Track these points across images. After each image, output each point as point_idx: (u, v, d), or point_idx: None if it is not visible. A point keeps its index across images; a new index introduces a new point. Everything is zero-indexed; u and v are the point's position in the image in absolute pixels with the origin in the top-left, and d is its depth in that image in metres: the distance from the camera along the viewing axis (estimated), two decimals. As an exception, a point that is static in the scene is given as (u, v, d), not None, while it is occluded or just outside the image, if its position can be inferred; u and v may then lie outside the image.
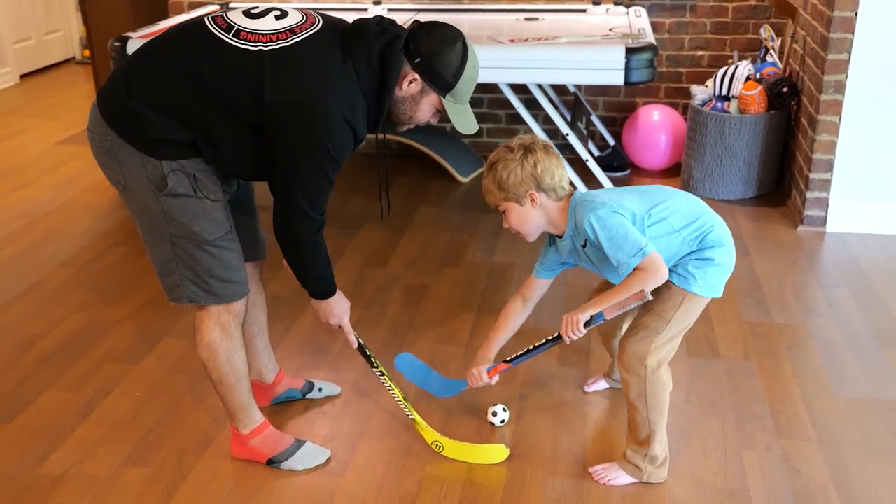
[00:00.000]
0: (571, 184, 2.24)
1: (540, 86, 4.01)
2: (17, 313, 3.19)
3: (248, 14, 2.01)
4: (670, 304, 2.14)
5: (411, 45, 2.00)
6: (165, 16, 4.81)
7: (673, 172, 4.42)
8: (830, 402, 2.57)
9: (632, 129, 4.45)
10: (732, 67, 4.10)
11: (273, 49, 1.93)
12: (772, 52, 4.20)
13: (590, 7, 4.45)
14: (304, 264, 2.15)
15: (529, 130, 4.64)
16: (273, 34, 1.95)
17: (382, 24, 2.03)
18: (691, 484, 2.24)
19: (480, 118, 4.78)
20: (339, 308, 2.28)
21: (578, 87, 4.54)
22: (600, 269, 2.22)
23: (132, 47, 3.78)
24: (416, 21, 2.09)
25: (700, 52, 4.55)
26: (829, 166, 3.66)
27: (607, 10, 4.40)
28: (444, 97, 2.04)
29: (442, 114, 2.10)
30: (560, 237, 2.21)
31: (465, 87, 2.04)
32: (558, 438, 2.43)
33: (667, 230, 2.11)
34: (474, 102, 4.70)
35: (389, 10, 4.46)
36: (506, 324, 2.39)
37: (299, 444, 2.33)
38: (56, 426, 2.52)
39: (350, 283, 3.34)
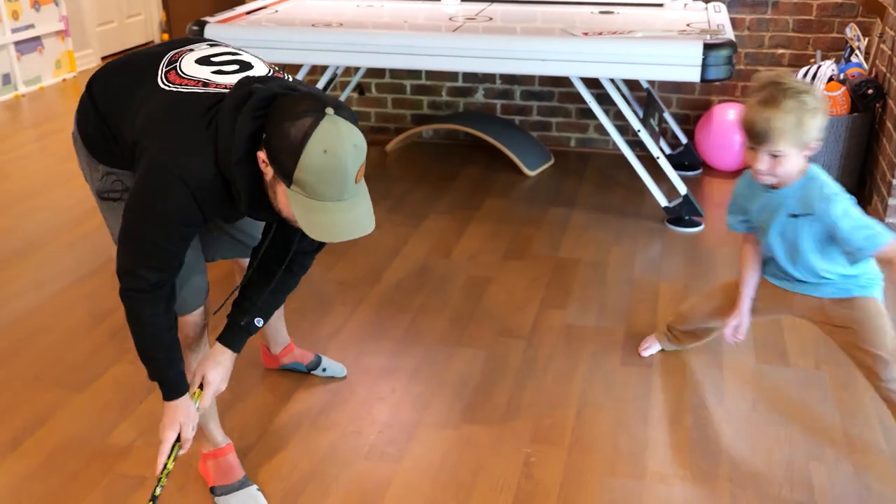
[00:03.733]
0: None
1: (612, 81, 3.95)
2: (93, 286, 3.28)
3: (199, 61, 1.84)
4: (872, 323, 2.18)
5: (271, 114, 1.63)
6: (243, 1, 4.88)
7: (746, 173, 4.31)
8: (904, 417, 2.49)
9: (705, 127, 4.36)
10: (815, 67, 3.98)
11: (169, 90, 1.75)
12: (857, 52, 4.07)
13: (667, 2, 4.37)
14: (133, 332, 1.86)
15: (600, 125, 4.60)
16: (190, 80, 1.77)
17: (265, 79, 1.71)
18: (755, 494, 2.19)
19: (550, 112, 4.77)
20: (177, 414, 1.90)
21: (652, 83, 4.47)
22: (783, 244, 2.22)
23: (209, 32, 3.84)
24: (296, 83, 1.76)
25: (781, 51, 4.43)
26: (913, 173, 3.53)
27: (685, 4, 4.31)
28: (288, 188, 1.61)
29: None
30: (774, 189, 2.19)
31: (312, 179, 1.56)
32: (618, 438, 2.40)
33: None
34: (544, 95, 4.72)
35: (463, 0, 4.45)
36: (753, 265, 2.37)
37: (242, 484, 2.16)
38: (125, 398, 2.58)
39: (413, 271, 3.35)
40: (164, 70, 1.80)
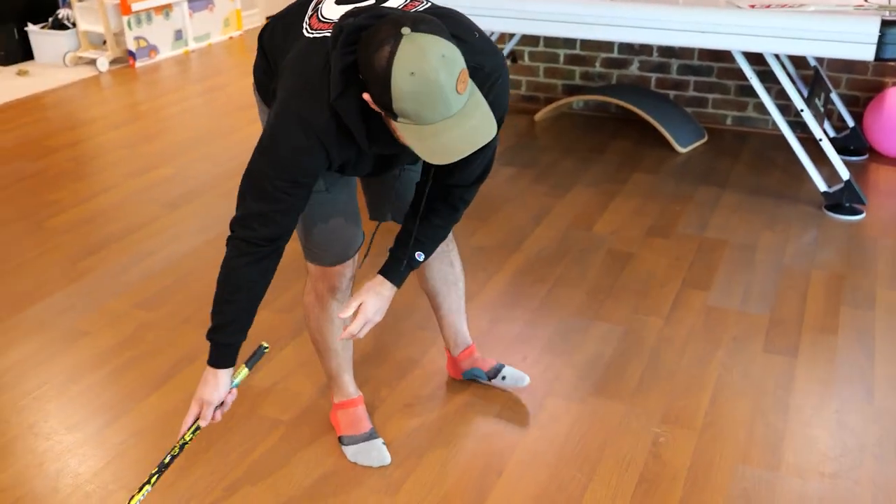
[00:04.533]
0: None
1: (777, 57, 3.76)
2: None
3: (339, 1, 1.79)
4: None
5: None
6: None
7: (918, 162, 4.03)
8: None
9: (877, 110, 4.09)
10: None
11: (308, 38, 1.73)
12: None
13: (844, -25, 4.11)
14: (219, 282, 1.84)
15: (760, 104, 4.39)
16: (328, 22, 1.73)
17: (371, 12, 1.63)
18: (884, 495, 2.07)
19: (707, 88, 4.60)
20: (206, 387, 1.86)
21: (820, 60, 4.22)
22: None
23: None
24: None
25: (968, 32, 4.08)
26: None
27: (864, -21, 4.04)
28: (394, 120, 1.54)
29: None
30: None
31: (411, 105, 1.49)
32: (754, 426, 2.31)
33: None
34: (703, 70, 4.55)
35: None
36: None
37: (370, 436, 2.23)
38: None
39: (554, 241, 3.32)
40: (308, 16, 1.81)
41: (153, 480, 1.90)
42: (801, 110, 3.60)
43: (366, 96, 1.56)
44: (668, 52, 4.59)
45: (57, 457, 2.24)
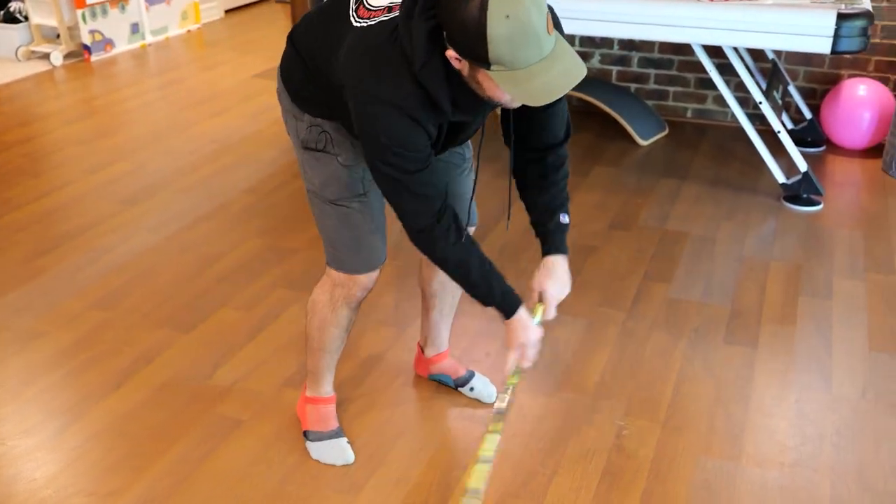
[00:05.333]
0: None
1: (736, 50, 3.79)
2: (202, 232, 3.39)
3: None
4: None
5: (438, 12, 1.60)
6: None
7: (873, 153, 4.09)
8: None
9: (833, 103, 4.14)
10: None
11: (361, 26, 1.74)
12: None
13: (801, -32, 4.15)
14: (443, 269, 1.88)
15: (720, 96, 4.43)
16: (377, 10, 1.74)
17: None
18: (857, 486, 2.09)
19: (668, 80, 4.62)
20: (517, 332, 1.89)
21: (778, 53, 4.27)
22: None
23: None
24: None
25: (921, 25, 4.15)
26: None
27: (821, -28, 4.08)
28: (489, 70, 1.55)
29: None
30: None
31: (507, 49, 1.50)
32: (715, 417, 2.33)
33: None
34: (663, 63, 4.57)
35: None
36: None
37: (335, 435, 2.23)
38: (228, 341, 2.67)
39: (517, 235, 3.32)
40: (353, 8, 1.81)
41: (499, 429, 1.88)
42: (760, 102, 3.63)
43: (450, 54, 1.57)
44: (629, 45, 4.61)
45: (11, 462, 2.19)
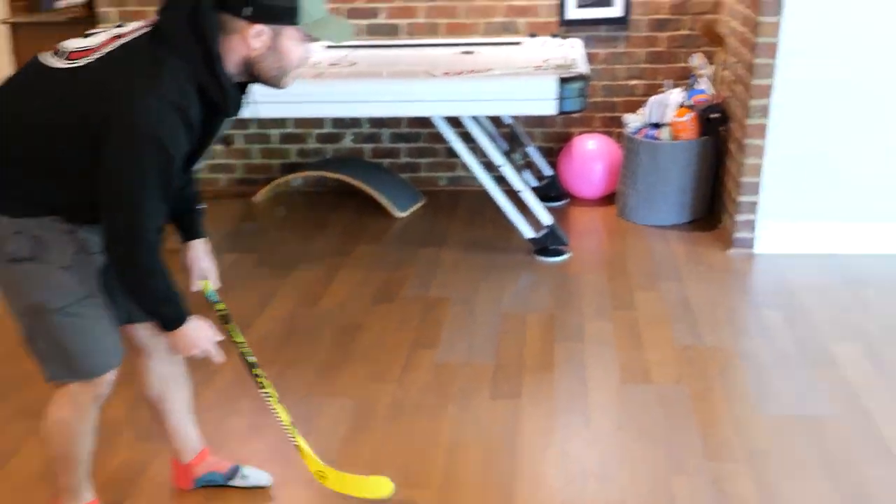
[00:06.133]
0: None
1: (476, 118, 4.01)
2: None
3: (84, 35, 1.88)
4: None
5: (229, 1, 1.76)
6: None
7: (609, 201, 4.43)
8: (758, 422, 2.57)
9: (567, 158, 4.47)
10: (664, 95, 4.14)
11: (91, 60, 1.78)
12: (703, 79, 4.25)
13: (526, 40, 4.48)
14: (147, 286, 1.89)
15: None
16: (98, 45, 1.81)
17: None
18: (620, 514, 2.21)
19: (419, 153, 4.81)
20: (199, 333, 1.99)
21: (516, 118, 4.56)
22: None
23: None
24: None
25: (634, 82, 4.59)
26: (756, 189, 3.70)
27: (543, 42, 4.43)
28: (299, 24, 1.80)
29: (310, 38, 1.86)
30: None
31: (310, 3, 1.80)
32: (487, 473, 2.38)
33: None
34: (412, 137, 4.75)
35: (328, 46, 4.43)
36: None
37: None
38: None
39: (280, 322, 3.29)
40: (57, 63, 1.80)
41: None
42: (500, 166, 3.86)
43: (252, 29, 1.77)
44: (378, 122, 4.76)
45: None
